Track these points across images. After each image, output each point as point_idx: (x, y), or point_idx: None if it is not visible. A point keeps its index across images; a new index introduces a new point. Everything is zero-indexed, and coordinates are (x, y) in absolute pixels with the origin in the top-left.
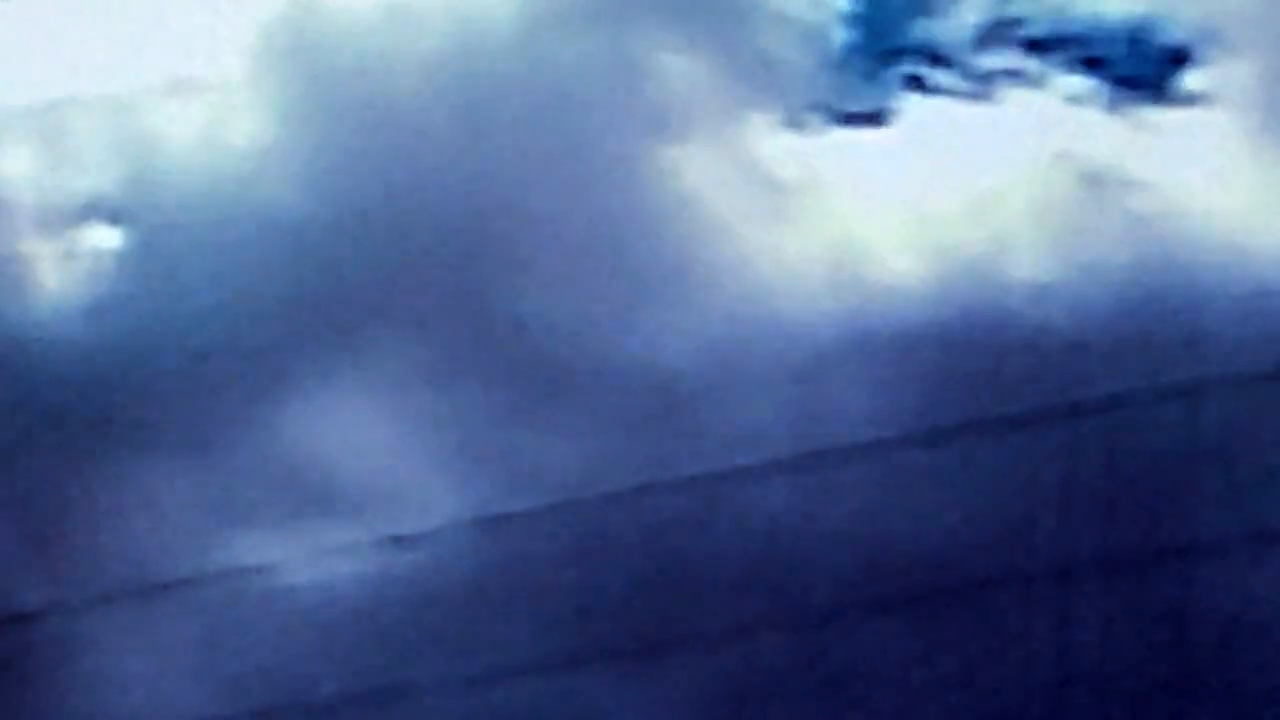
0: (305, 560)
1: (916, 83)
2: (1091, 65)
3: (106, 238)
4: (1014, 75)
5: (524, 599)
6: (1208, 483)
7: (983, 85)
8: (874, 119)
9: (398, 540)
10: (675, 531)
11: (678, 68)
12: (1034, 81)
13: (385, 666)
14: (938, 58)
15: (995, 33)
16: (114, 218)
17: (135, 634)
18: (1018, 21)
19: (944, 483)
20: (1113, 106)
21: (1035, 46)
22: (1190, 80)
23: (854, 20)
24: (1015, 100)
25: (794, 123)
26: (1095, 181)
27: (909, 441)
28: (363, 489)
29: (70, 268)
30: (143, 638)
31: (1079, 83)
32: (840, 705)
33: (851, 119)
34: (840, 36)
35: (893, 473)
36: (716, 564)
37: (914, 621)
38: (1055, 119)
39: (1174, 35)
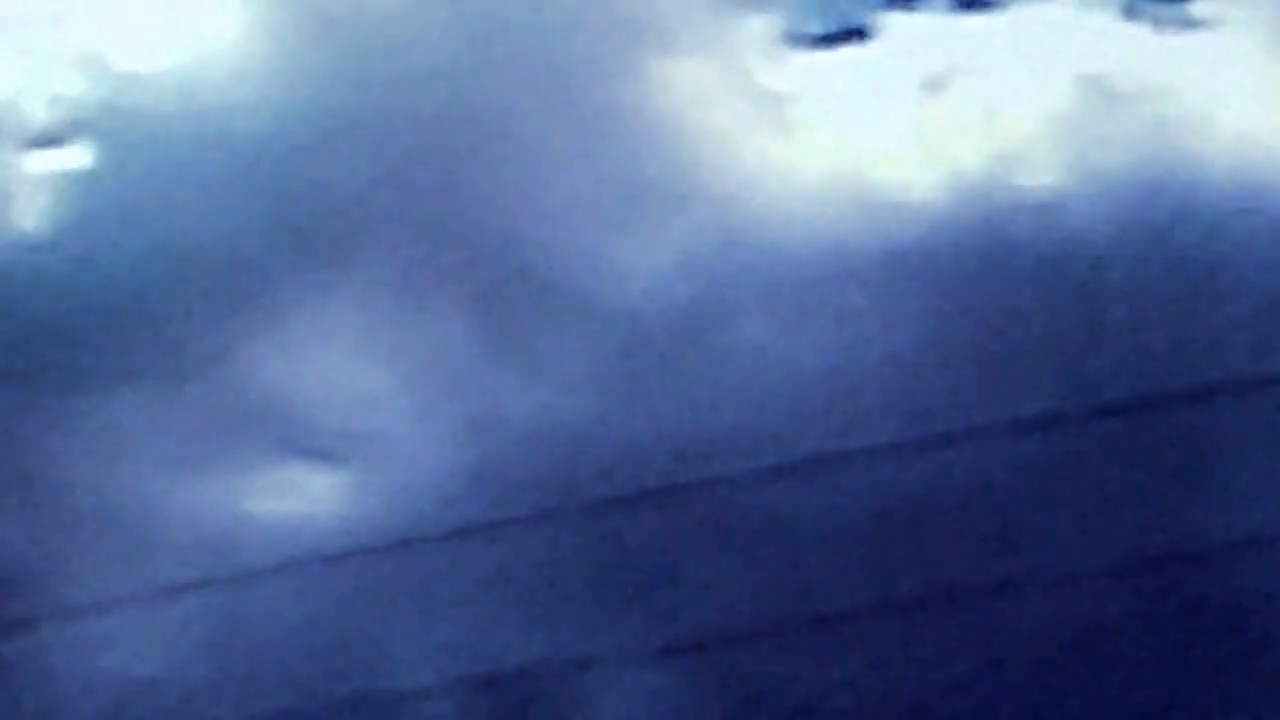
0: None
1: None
2: None
3: (76, 158)
4: None
5: (524, 599)
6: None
7: None
8: (855, 34)
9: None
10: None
11: None
12: None
13: (386, 670)
14: None
15: None
16: (85, 136)
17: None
18: None
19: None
20: (1129, 13)
21: None
22: None
23: None
24: (1022, 8)
25: (787, 37)
26: (1110, 93)
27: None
28: (338, 425)
29: (39, 190)
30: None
31: None
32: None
33: (828, 39)
34: None
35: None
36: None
37: (918, 625)
38: (1066, 27)
39: None
